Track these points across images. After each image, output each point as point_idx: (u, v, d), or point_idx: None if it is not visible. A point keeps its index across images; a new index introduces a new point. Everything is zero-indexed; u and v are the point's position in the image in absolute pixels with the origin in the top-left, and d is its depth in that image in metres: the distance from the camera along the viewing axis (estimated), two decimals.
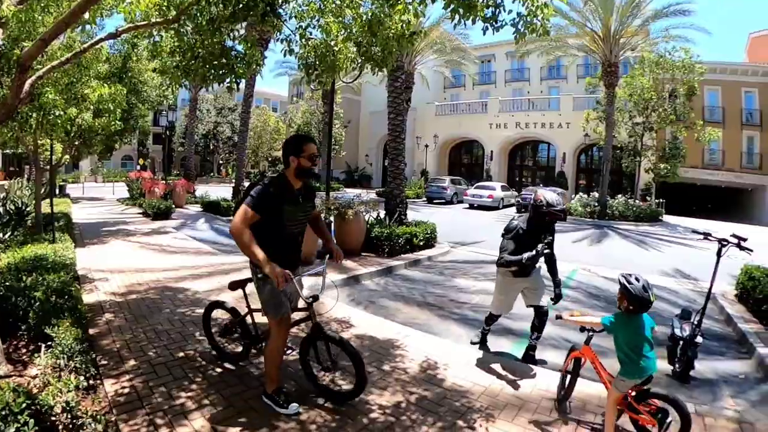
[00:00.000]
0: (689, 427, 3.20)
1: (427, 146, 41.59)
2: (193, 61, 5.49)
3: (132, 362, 4.27)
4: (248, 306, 4.19)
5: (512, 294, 4.98)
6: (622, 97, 25.99)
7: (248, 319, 4.25)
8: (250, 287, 3.88)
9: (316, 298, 3.66)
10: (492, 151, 41.29)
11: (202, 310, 5.83)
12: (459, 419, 3.61)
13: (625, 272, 3.42)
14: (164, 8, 4.95)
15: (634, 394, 3.37)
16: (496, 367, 4.69)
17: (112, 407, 3.46)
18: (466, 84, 47.24)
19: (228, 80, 5.67)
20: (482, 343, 5.47)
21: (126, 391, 3.73)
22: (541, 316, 4.90)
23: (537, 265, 4.86)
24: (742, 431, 3.67)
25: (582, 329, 3.77)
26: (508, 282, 4.90)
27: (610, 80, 24.15)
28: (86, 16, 5.02)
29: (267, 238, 3.41)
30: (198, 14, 5.22)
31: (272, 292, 3.50)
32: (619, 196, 26.69)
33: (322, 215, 9.65)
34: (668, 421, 3.23)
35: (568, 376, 3.97)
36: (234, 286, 4.13)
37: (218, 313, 4.73)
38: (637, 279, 3.29)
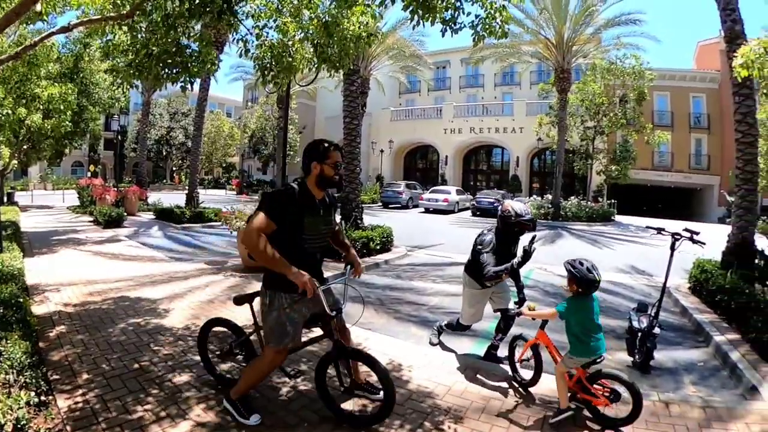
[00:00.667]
0: (640, 406, 3.40)
1: (382, 151, 41.79)
2: (146, 60, 5.30)
3: (85, 376, 4.04)
4: (255, 323, 3.69)
5: (482, 304, 4.95)
6: (574, 103, 26.71)
7: (254, 338, 3.80)
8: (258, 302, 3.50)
9: (339, 311, 3.36)
10: (447, 156, 41.77)
11: (157, 320, 5.68)
12: (425, 420, 3.56)
13: (569, 259, 3.64)
14: (118, 3, 4.76)
15: (587, 375, 3.57)
16: (459, 366, 4.68)
17: (65, 424, 3.25)
18: (421, 90, 47.74)
19: (182, 80, 5.50)
20: (439, 341, 5.45)
21: (79, 406, 3.51)
22: (507, 320, 4.90)
23: None
24: (707, 416, 3.77)
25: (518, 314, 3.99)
26: (477, 294, 4.85)
27: (563, 86, 24.78)
28: (38, 8, 4.78)
29: (284, 253, 3.03)
30: (153, 10, 5.04)
31: (279, 320, 3.18)
32: (572, 197, 27.43)
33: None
34: (620, 400, 3.48)
35: (519, 365, 4.27)
36: (240, 300, 3.67)
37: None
38: (581, 263, 3.53)
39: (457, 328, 5.20)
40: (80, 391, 3.75)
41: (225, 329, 4.08)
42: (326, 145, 3.27)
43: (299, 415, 3.56)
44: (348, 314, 3.69)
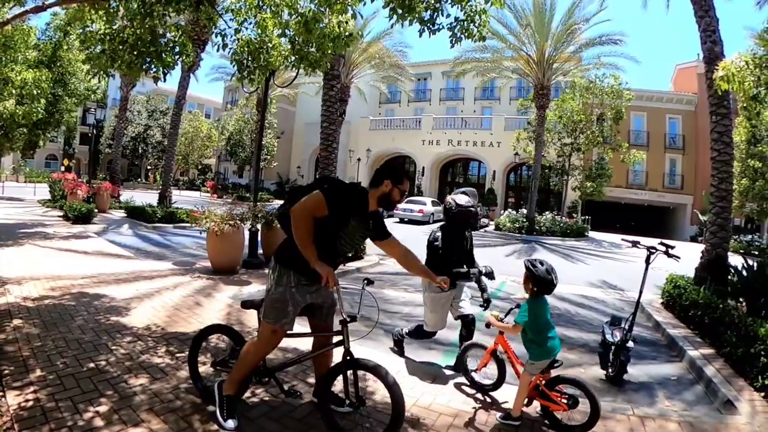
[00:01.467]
0: (598, 411, 3.40)
1: (359, 160, 41.58)
2: (120, 47, 5.12)
3: (38, 372, 3.82)
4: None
5: (444, 309, 4.89)
6: (552, 119, 27.03)
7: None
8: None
9: (354, 318, 3.21)
10: (424, 167, 41.76)
11: (117, 319, 5.43)
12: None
13: (530, 258, 3.66)
14: None
15: (544, 382, 3.57)
16: (428, 377, 4.56)
17: (14, 422, 3.04)
18: (401, 100, 47.83)
19: (154, 69, 5.32)
20: (401, 349, 5.32)
21: (30, 404, 3.29)
22: (468, 326, 4.80)
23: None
24: (682, 430, 3.72)
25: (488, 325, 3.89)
26: (436, 298, 4.80)
27: (542, 102, 25.07)
28: None
29: (315, 242, 3.05)
30: None
31: (282, 297, 3.16)
32: (547, 212, 27.64)
33: (248, 223, 9.27)
34: (578, 406, 3.47)
35: (477, 373, 4.24)
36: (248, 305, 3.50)
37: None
38: (541, 263, 3.57)
39: (421, 335, 5.09)
40: (32, 389, 3.53)
41: (226, 337, 3.83)
42: (404, 172, 3.37)
43: (282, 422, 3.41)
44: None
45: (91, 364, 4.08)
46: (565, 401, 3.50)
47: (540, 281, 3.50)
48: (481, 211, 28.15)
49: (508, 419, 3.61)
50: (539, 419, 3.71)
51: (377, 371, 3.08)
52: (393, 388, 3.02)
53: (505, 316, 3.91)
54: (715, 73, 5.98)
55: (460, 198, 4.80)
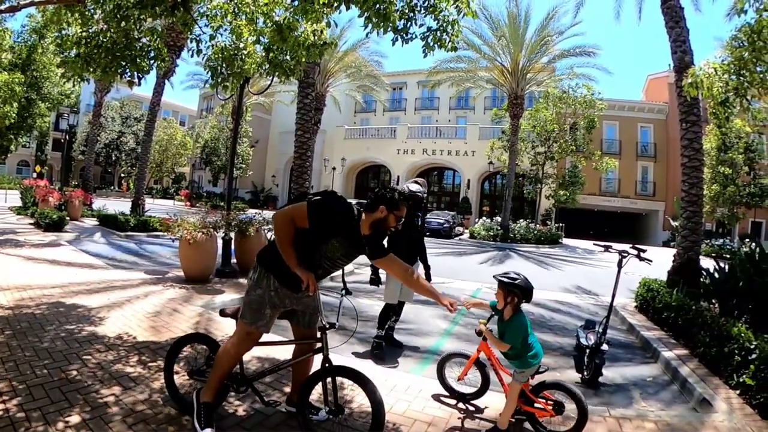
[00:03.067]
0: (585, 416, 3.38)
1: (334, 169, 41.66)
2: (95, 51, 5.04)
3: (7, 382, 3.70)
4: None
5: (397, 283, 5.52)
6: (526, 128, 27.45)
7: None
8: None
9: (333, 325, 3.20)
10: (398, 176, 41.87)
11: (90, 328, 5.30)
12: None
13: (501, 273, 3.56)
14: None
15: (530, 387, 3.54)
16: (402, 385, 4.52)
17: None
18: (376, 109, 48.21)
19: (129, 74, 5.25)
20: (381, 351, 5.49)
21: None
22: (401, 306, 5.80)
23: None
24: (660, 429, 3.77)
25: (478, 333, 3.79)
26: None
27: (516, 112, 25.44)
28: None
29: (297, 253, 3.04)
30: None
31: (261, 299, 3.15)
32: (521, 220, 28.04)
33: (222, 231, 9.14)
34: (564, 412, 3.46)
35: (459, 381, 4.16)
36: (226, 313, 3.42)
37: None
38: (517, 274, 3.50)
39: (385, 318, 5.59)
40: (0, 399, 3.42)
41: (203, 346, 3.73)
42: (401, 198, 3.18)
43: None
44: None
45: (62, 375, 3.97)
46: (551, 407, 3.47)
47: (524, 290, 3.41)
48: (455, 219, 28.32)
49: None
50: (523, 427, 3.65)
51: (358, 378, 3.09)
52: (374, 395, 3.02)
53: (487, 321, 3.89)
54: (684, 80, 6.12)
55: (413, 185, 5.42)
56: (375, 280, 5.79)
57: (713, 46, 38.12)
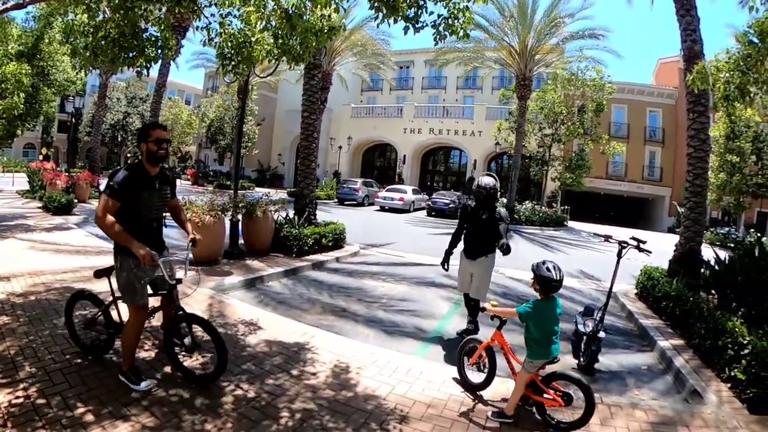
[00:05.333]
0: (593, 408, 3.47)
1: (340, 147, 41.48)
2: (103, 42, 5.10)
3: (27, 369, 3.86)
4: (113, 294, 4.09)
5: (466, 275, 5.83)
6: (533, 110, 27.14)
7: (113, 308, 4.18)
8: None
9: (179, 281, 3.85)
10: (405, 155, 41.73)
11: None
12: (369, 420, 3.57)
13: (537, 261, 3.72)
14: None
15: (541, 378, 3.61)
16: (404, 367, 4.67)
17: (6, 420, 3.10)
18: (383, 88, 47.60)
19: (138, 64, 5.31)
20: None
21: (20, 401, 3.35)
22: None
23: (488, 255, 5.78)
24: (650, 420, 3.87)
25: (492, 317, 3.97)
26: (462, 264, 5.91)
27: (523, 93, 25.18)
28: None
29: (127, 224, 3.50)
30: None
31: (128, 279, 3.65)
32: (527, 202, 27.93)
33: (229, 213, 9.27)
34: (573, 403, 3.53)
35: (472, 367, 4.25)
36: (99, 274, 4.04)
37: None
38: (543, 262, 3.66)
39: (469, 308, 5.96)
40: (22, 386, 3.58)
41: (88, 302, 4.42)
42: (149, 126, 3.80)
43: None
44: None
45: (79, 360, 4.13)
46: (560, 398, 3.55)
47: (542, 280, 3.56)
48: (461, 200, 28.36)
49: (502, 417, 3.65)
50: (531, 416, 3.74)
51: (203, 324, 3.80)
52: (217, 338, 3.70)
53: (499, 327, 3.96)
54: (688, 76, 6.14)
55: (485, 179, 5.73)
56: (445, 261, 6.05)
57: (725, 33, 37.47)
